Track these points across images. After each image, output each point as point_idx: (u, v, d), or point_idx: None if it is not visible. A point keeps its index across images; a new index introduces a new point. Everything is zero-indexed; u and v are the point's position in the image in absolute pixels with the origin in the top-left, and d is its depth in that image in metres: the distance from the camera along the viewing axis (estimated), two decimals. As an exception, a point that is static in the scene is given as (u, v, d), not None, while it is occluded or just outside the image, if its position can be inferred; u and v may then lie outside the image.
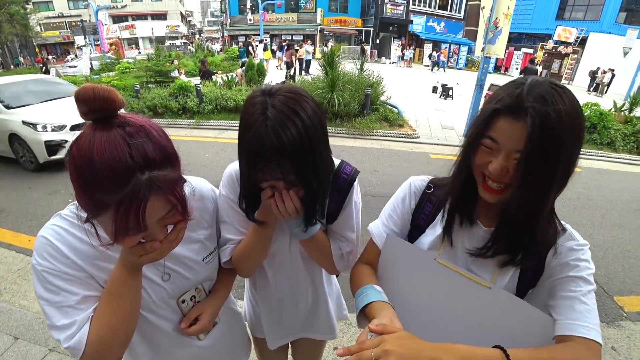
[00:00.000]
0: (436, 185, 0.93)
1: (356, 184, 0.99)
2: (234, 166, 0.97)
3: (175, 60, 12.71)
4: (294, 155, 0.72)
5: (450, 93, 12.08)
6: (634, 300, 2.94)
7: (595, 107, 7.92)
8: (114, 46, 25.10)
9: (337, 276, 1.30)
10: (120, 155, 0.58)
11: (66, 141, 5.21)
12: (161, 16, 37.42)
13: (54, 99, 6.04)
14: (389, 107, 8.54)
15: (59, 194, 4.40)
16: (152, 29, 34.48)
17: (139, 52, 27.25)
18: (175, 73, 11.13)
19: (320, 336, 1.37)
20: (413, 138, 7.27)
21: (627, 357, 2.38)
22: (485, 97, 7.30)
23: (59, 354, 2.13)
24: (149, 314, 0.86)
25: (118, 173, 0.58)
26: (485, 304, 0.80)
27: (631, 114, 8.47)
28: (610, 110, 8.33)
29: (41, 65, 16.32)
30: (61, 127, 5.21)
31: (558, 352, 0.67)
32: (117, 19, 36.09)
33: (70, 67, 17.11)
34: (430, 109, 10.34)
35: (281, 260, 1.09)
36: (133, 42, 35.89)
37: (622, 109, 8.62)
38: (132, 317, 0.77)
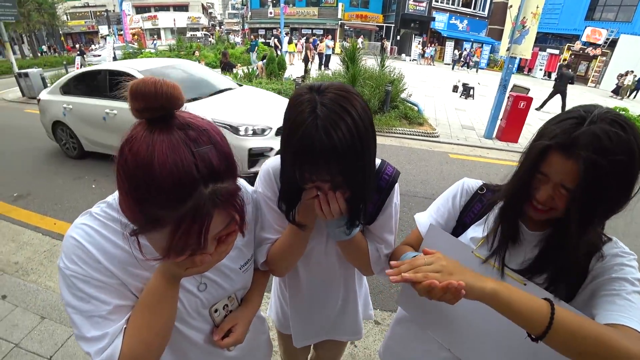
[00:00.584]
0: (488, 188, 0.97)
1: (397, 185, 0.97)
2: (272, 163, 0.95)
3: (196, 52, 12.88)
4: (344, 156, 0.69)
5: (471, 93, 11.86)
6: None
7: (624, 112, 7.66)
8: (136, 36, 25.54)
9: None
10: (185, 165, 0.51)
11: (271, 149, 4.11)
12: (183, 7, 37.83)
13: (221, 91, 5.01)
14: (409, 104, 8.44)
15: (83, 180, 4.52)
16: (174, 20, 34.92)
17: (154, 44, 27.39)
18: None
19: (346, 338, 1.36)
20: (432, 137, 7.17)
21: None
22: (508, 98, 7.15)
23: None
24: (181, 325, 0.80)
25: (181, 186, 0.51)
26: None
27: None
28: (639, 116, 8.05)
29: (78, 53, 16.32)
30: (264, 131, 4.14)
31: (603, 327, 0.63)
32: (140, 9, 36.69)
33: (94, 55, 17.51)
34: (450, 108, 10.17)
35: (316, 260, 1.07)
36: (155, 32, 36.43)
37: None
38: (167, 331, 0.72)
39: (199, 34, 32.25)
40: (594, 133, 0.64)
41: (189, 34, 31.39)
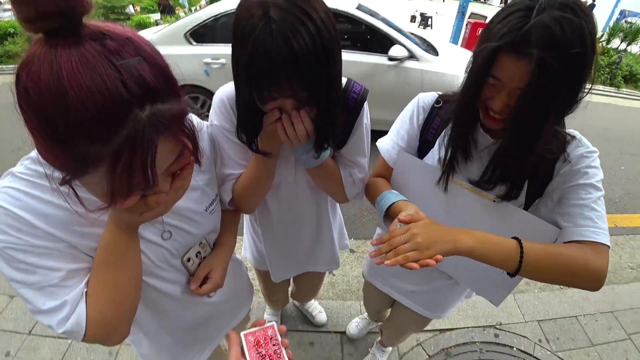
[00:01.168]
0: (445, 100, 0.89)
1: (366, 104, 0.89)
2: (225, 90, 0.84)
3: (128, -6, 11.38)
4: (307, 66, 0.59)
5: (429, 22, 11.60)
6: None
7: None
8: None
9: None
10: (108, 84, 0.39)
11: None
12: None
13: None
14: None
15: (22, 151, 3.85)
16: (96, -43, 30.16)
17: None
18: (130, 9, 10.02)
19: (324, 268, 1.38)
20: (393, 71, 7.06)
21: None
22: (466, 25, 7.04)
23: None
24: (151, 279, 0.74)
25: (109, 111, 0.40)
26: (490, 216, 0.82)
27: (608, 46, 8.48)
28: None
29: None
30: None
31: (568, 249, 0.69)
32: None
33: (5, 10, 14.91)
34: (409, 40, 9.92)
35: (286, 192, 1.00)
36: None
37: (601, 39, 8.59)
38: (136, 286, 0.65)
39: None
40: (543, 24, 0.57)
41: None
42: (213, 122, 0.86)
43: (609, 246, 0.70)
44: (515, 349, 1.93)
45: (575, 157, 0.75)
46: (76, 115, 0.39)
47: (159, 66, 0.45)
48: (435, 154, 0.90)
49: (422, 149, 0.95)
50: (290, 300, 1.99)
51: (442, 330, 2.01)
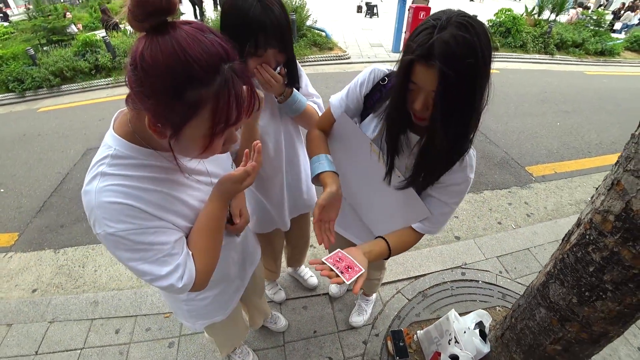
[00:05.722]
0: (391, 80, 1.03)
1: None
2: None
3: (67, 13, 10.89)
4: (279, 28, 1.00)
5: (375, 11, 12.00)
6: (540, 167, 3.80)
7: (509, 12, 8.48)
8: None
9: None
10: (208, 45, 0.57)
11: None
12: (27, -41, 30.31)
13: None
14: (317, 31, 8.31)
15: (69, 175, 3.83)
16: (21, -22, 28.13)
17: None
18: (72, 28, 9.61)
19: (307, 205, 1.62)
20: (344, 59, 7.38)
21: (535, 207, 3.18)
22: (408, 10, 7.41)
23: (60, 323, 2.16)
24: None
25: (212, 62, 0.57)
26: (396, 190, 1.05)
27: (540, 17, 9.20)
28: (522, 14, 8.95)
29: None
30: None
31: (409, 238, 1.09)
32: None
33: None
34: (357, 29, 10.35)
35: (276, 153, 1.32)
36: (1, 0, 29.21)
37: (532, 13, 9.28)
38: (222, 242, 0.88)
39: (60, -9, 26.50)
40: (443, 40, 0.70)
41: (47, -6, 25.66)
42: None
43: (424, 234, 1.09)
44: (480, 282, 2.25)
45: (454, 179, 0.96)
46: (195, 64, 0.55)
47: (224, 38, 0.62)
48: (369, 125, 1.08)
49: (366, 112, 1.12)
50: (284, 270, 2.24)
51: (416, 277, 2.30)
